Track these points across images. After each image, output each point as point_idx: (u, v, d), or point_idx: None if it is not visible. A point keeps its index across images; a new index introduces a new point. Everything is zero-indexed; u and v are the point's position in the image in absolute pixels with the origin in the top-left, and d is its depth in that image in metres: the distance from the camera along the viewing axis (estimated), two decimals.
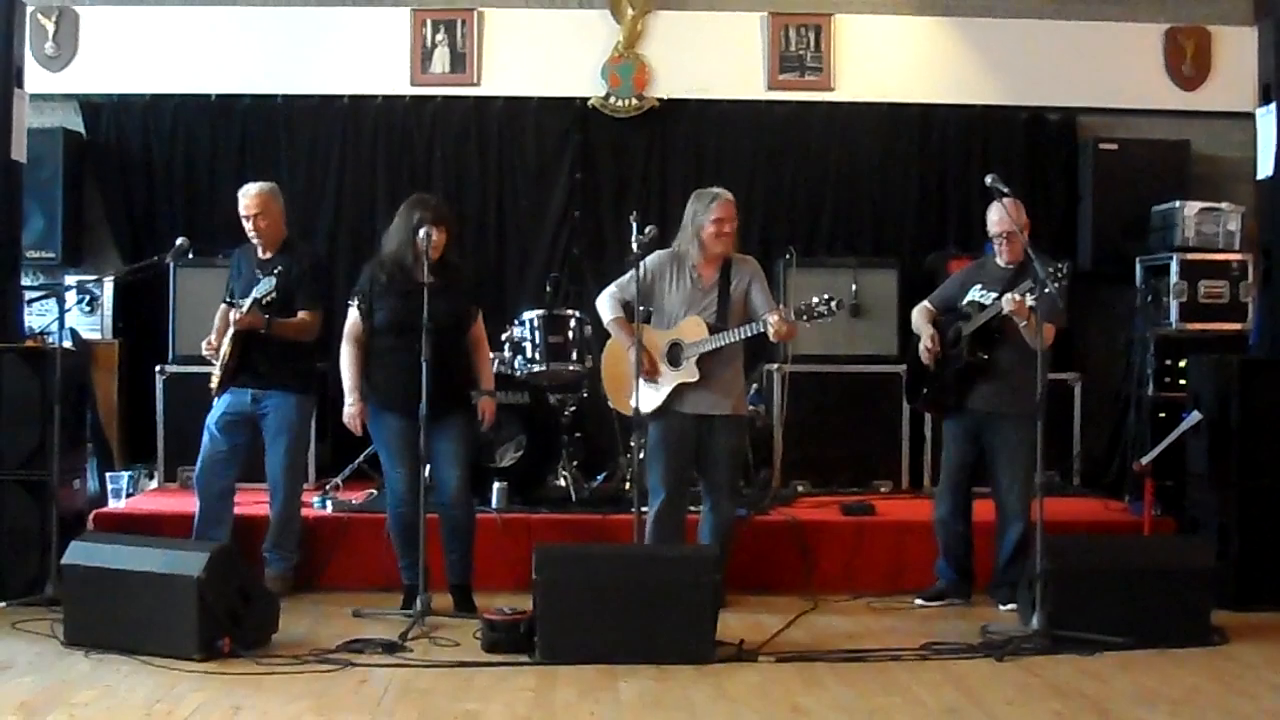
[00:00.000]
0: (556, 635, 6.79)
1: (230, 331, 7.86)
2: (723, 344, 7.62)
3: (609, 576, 6.94)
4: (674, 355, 7.73)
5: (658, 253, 7.87)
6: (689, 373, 7.68)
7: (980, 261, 8.24)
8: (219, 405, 8.07)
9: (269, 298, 7.71)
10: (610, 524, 8.42)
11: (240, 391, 8.02)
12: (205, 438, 8.10)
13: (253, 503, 8.44)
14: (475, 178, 10.75)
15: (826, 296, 7.43)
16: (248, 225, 8.07)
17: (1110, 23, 10.85)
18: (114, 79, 10.60)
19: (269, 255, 8.09)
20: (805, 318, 7.48)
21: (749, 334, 7.60)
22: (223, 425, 8.05)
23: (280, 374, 8.00)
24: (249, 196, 8.08)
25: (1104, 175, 10.44)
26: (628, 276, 7.80)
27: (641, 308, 7.76)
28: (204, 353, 8.11)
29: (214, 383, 8.04)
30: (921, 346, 8.04)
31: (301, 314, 7.94)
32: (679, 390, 7.71)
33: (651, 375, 7.71)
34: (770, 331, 7.49)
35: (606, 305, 7.95)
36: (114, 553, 6.92)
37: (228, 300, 8.14)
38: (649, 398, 7.71)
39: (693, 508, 8.05)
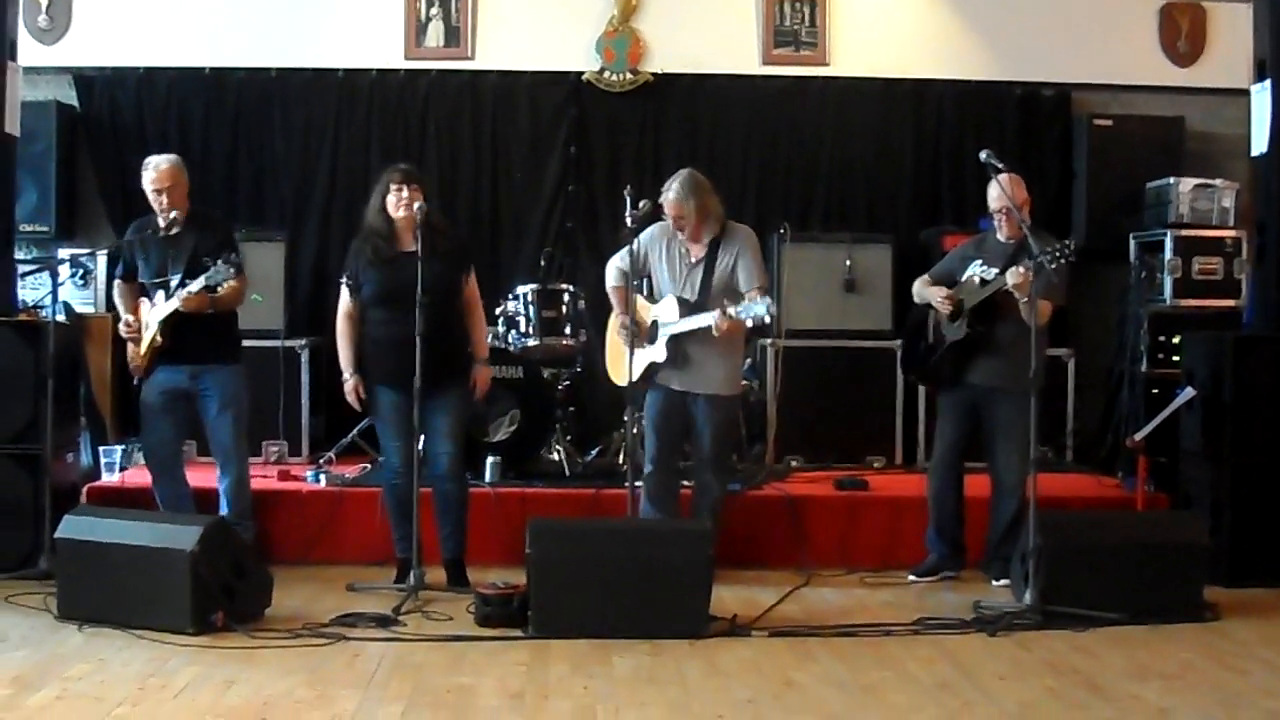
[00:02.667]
0: (550, 610, 6.80)
1: (166, 312, 7.72)
2: (683, 330, 7.62)
3: (603, 551, 6.96)
4: (653, 332, 7.78)
5: (654, 225, 7.88)
6: (658, 351, 7.73)
7: (980, 237, 8.21)
8: (153, 385, 7.94)
9: (224, 285, 7.54)
10: (604, 498, 8.42)
11: (174, 369, 7.89)
12: (146, 418, 8.00)
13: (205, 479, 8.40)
14: (469, 152, 10.74)
15: (763, 299, 7.28)
16: (157, 199, 7.85)
17: None
18: (107, 52, 10.56)
19: (177, 230, 7.85)
20: (744, 318, 7.35)
21: (700, 325, 7.54)
22: (163, 402, 7.94)
23: (217, 348, 7.91)
24: (158, 171, 7.85)
25: (1099, 151, 10.44)
26: (628, 248, 7.84)
27: (638, 280, 7.77)
28: (124, 334, 7.99)
29: (139, 363, 7.94)
30: (935, 301, 7.98)
31: (229, 283, 7.69)
32: (659, 366, 7.75)
33: (641, 346, 7.73)
34: (713, 329, 7.46)
35: (611, 273, 8.04)
36: (107, 527, 6.93)
37: (143, 281, 7.95)
38: (633, 369, 7.72)
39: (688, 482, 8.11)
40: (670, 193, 7.69)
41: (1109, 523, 7.77)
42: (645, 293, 8.07)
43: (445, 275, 7.60)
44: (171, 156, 8.01)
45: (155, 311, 7.83)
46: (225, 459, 8.02)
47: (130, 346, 8.04)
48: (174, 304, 7.69)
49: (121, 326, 8.01)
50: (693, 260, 7.78)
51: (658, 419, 7.85)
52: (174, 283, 7.73)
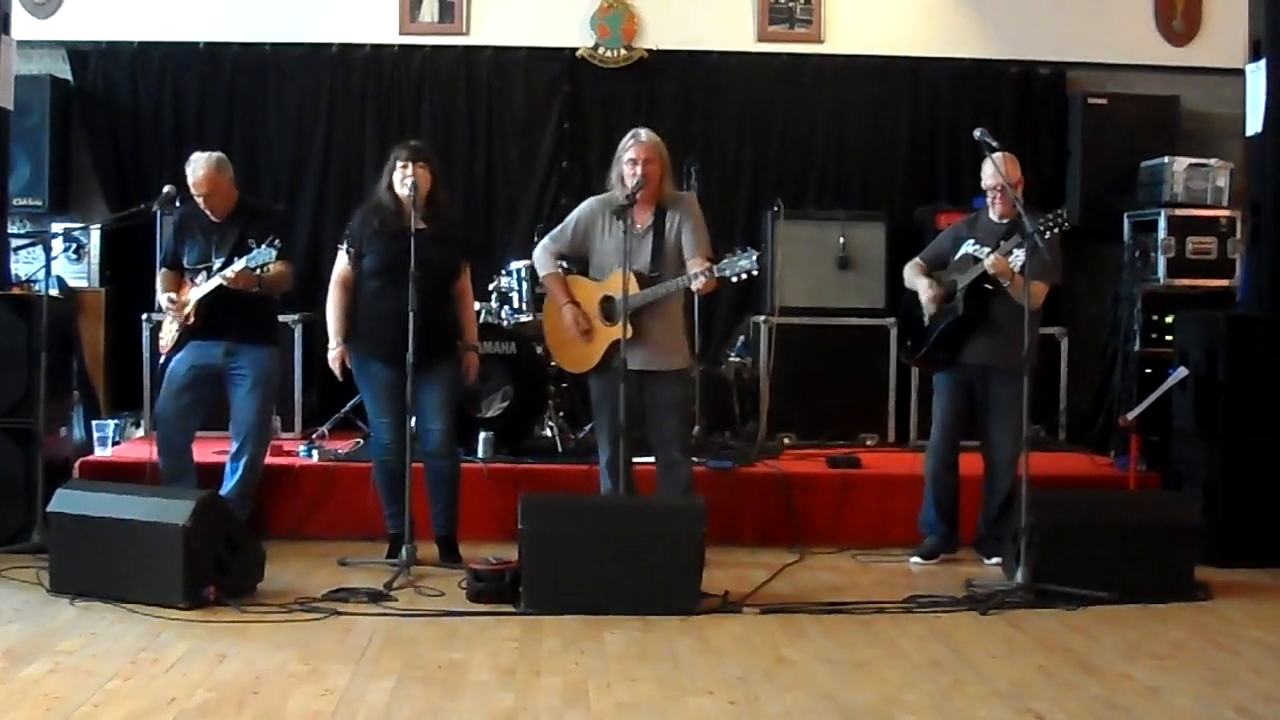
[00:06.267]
0: (542, 585, 6.81)
1: (205, 290, 7.75)
2: (653, 299, 7.48)
3: (595, 527, 6.96)
4: (608, 310, 7.62)
5: (589, 201, 7.82)
6: (622, 329, 7.44)
7: (973, 216, 8.18)
8: (185, 357, 7.93)
9: (264, 269, 7.55)
10: (596, 474, 8.34)
11: (210, 344, 7.90)
12: (168, 390, 7.96)
13: (211, 452, 8.40)
14: (463, 128, 10.74)
15: (749, 252, 7.26)
16: (199, 200, 7.88)
17: None
18: (102, 26, 10.55)
19: (221, 220, 7.92)
20: (729, 275, 7.31)
21: (675, 289, 7.48)
22: (190, 378, 7.94)
23: (256, 327, 7.94)
24: (196, 177, 7.85)
25: (1093, 130, 10.44)
26: (560, 228, 7.83)
27: (570, 263, 7.77)
28: (168, 311, 7.94)
29: (171, 340, 7.94)
30: (924, 298, 7.95)
31: (273, 266, 7.66)
32: (616, 346, 7.50)
33: (588, 333, 7.66)
34: (695, 288, 7.41)
35: (540, 260, 7.88)
36: (100, 501, 6.93)
37: (187, 267, 7.96)
38: (588, 355, 7.65)
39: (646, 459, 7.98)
40: (641, 135, 7.62)
41: (1101, 502, 7.79)
42: (578, 270, 7.96)
43: (445, 256, 7.59)
44: (210, 158, 7.92)
45: (194, 290, 7.84)
46: (245, 437, 8.01)
47: (166, 324, 8.05)
48: (215, 282, 7.69)
49: (165, 302, 7.97)
50: (639, 229, 7.59)
51: (613, 399, 7.45)
52: (217, 266, 7.76)
